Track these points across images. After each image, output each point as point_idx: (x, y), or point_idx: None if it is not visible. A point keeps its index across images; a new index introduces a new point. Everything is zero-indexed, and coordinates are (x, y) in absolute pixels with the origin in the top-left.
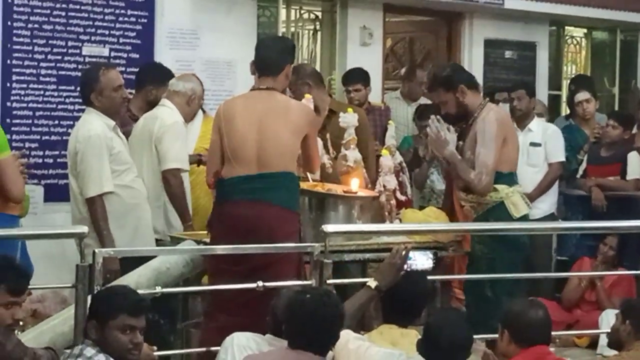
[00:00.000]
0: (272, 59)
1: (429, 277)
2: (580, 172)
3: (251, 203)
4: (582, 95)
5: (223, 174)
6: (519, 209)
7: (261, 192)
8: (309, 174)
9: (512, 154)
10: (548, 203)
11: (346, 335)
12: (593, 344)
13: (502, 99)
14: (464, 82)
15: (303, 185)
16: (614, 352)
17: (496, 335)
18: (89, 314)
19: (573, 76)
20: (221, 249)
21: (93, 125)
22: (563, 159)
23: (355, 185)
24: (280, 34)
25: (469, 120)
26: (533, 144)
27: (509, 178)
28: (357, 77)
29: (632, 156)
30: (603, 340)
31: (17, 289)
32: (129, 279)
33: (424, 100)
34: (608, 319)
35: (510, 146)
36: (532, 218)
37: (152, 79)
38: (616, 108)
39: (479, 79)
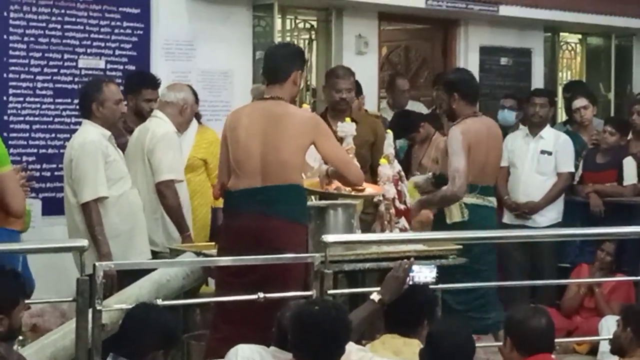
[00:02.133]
0: (278, 66)
1: (431, 287)
2: (577, 178)
3: (257, 216)
4: (579, 102)
5: (230, 185)
6: (452, 216)
7: (266, 205)
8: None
9: (472, 165)
10: (555, 212)
11: (348, 347)
12: (593, 350)
13: (508, 105)
14: (459, 91)
15: (309, 184)
16: (614, 359)
17: (495, 344)
18: (155, 341)
19: (565, 83)
20: (222, 260)
21: (89, 134)
22: (573, 169)
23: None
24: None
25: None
26: (544, 152)
27: None
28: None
29: (627, 162)
30: (603, 347)
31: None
32: (130, 292)
33: (412, 106)
34: (608, 325)
35: (472, 157)
36: (538, 226)
37: (126, 88)
38: (612, 114)
39: None
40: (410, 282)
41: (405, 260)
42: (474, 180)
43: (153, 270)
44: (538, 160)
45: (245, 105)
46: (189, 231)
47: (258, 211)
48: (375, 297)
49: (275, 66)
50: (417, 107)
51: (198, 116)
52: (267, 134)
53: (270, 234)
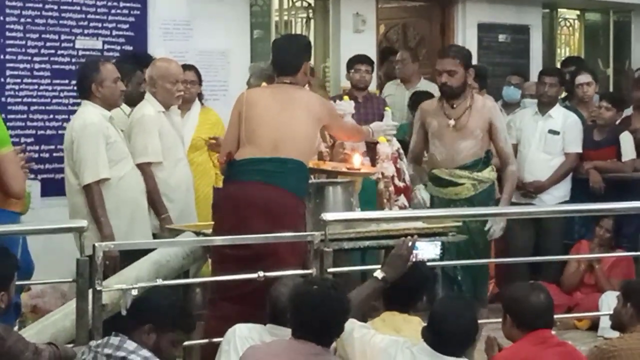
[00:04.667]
0: (288, 60)
1: (430, 264)
2: None
3: (259, 184)
4: (584, 78)
5: (236, 156)
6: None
7: (271, 175)
8: None
9: None
10: (562, 190)
11: (351, 324)
12: (593, 326)
13: (515, 82)
14: (474, 67)
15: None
16: (614, 334)
17: (496, 320)
18: (141, 316)
19: (565, 58)
20: (221, 239)
21: (89, 115)
22: (580, 150)
23: (357, 161)
24: (273, 23)
25: (458, 99)
26: (552, 132)
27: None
28: (366, 58)
29: (624, 136)
30: (604, 322)
31: None
32: (129, 273)
33: (424, 84)
34: (608, 300)
35: None
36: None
37: (121, 72)
38: (611, 89)
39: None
40: (415, 259)
41: (409, 237)
42: None
43: (153, 250)
44: (545, 140)
45: (263, 86)
46: (167, 213)
47: (262, 180)
48: (378, 274)
49: (286, 59)
50: (431, 87)
51: (200, 96)
52: (287, 110)
53: (271, 203)
